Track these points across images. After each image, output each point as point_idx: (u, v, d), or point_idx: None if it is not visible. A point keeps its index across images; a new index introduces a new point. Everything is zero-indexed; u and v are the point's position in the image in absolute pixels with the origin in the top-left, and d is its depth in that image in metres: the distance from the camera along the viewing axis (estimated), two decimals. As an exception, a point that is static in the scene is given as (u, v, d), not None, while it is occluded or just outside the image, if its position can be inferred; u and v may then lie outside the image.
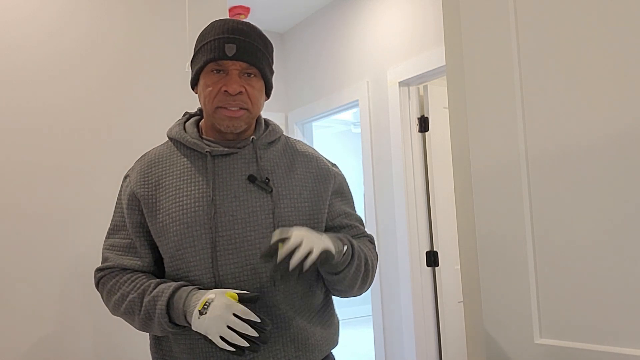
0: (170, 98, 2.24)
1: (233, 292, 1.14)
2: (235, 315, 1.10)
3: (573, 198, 1.20)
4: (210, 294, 1.13)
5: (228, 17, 1.31)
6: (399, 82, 3.13)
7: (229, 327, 1.09)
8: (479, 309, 1.45)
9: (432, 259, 3.09)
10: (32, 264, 1.91)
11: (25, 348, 1.87)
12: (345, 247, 1.20)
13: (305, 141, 4.09)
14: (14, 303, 1.87)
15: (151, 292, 1.20)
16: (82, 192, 2.02)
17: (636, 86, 1.11)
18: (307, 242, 1.09)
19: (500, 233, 1.33)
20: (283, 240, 1.08)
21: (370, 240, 1.43)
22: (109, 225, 1.34)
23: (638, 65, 1.10)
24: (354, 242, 1.27)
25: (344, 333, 6.34)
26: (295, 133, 4.07)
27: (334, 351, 1.38)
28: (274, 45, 1.35)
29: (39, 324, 1.90)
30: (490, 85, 1.34)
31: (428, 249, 3.11)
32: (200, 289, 1.19)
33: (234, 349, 1.10)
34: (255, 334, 1.10)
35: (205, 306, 1.11)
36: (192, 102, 2.27)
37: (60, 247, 1.96)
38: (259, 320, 1.11)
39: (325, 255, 1.11)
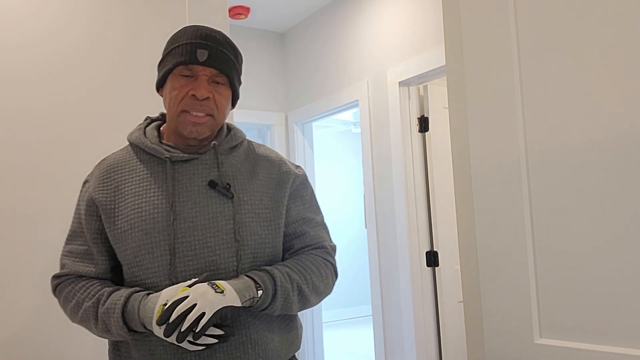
0: (170, 98, 2.24)
1: (184, 287, 1.13)
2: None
3: (573, 198, 1.20)
4: (163, 301, 1.11)
5: (199, 25, 1.30)
6: (399, 82, 3.13)
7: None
8: (479, 309, 1.45)
9: (432, 259, 3.08)
10: (31, 264, 1.91)
11: (25, 348, 1.87)
12: (260, 292, 1.17)
13: (305, 141, 4.09)
14: (13, 303, 1.87)
15: (104, 302, 1.19)
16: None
17: (636, 86, 1.11)
18: (201, 303, 1.08)
19: (500, 233, 1.33)
20: (179, 302, 1.09)
21: (328, 251, 1.36)
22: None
23: (638, 64, 1.10)
24: (279, 276, 1.21)
25: (344, 333, 6.35)
26: (295, 133, 4.07)
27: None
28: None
29: (38, 324, 1.90)
30: (490, 85, 1.34)
31: (428, 249, 3.11)
32: (149, 293, 1.17)
33: (204, 347, 1.11)
34: (220, 332, 1.12)
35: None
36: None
37: (59, 246, 1.96)
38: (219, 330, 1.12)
39: (224, 310, 1.13)
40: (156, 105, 2.21)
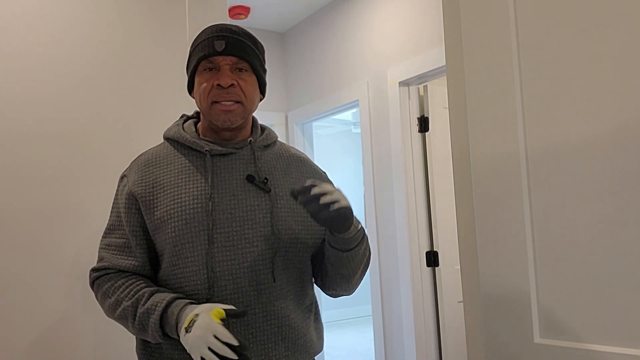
0: (170, 98, 2.24)
1: (220, 309, 1.13)
2: (215, 336, 1.07)
3: (573, 198, 1.20)
4: (197, 311, 1.12)
5: (216, 23, 1.34)
6: (399, 82, 3.13)
7: (209, 348, 1.07)
8: (478, 308, 1.45)
9: (432, 259, 3.08)
10: (32, 264, 1.91)
11: (26, 348, 1.87)
12: (360, 225, 1.25)
13: (305, 141, 4.09)
14: (14, 303, 1.87)
15: (145, 303, 1.20)
16: (81, 191, 2.02)
17: (635, 83, 1.11)
18: (337, 194, 1.14)
19: (500, 233, 1.33)
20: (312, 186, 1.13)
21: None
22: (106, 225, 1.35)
23: (637, 62, 1.10)
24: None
25: (344, 333, 6.35)
26: (295, 133, 4.07)
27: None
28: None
29: (39, 324, 1.90)
30: (490, 85, 1.34)
31: (428, 249, 3.11)
32: (193, 303, 1.18)
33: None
34: (235, 357, 1.07)
35: (191, 324, 1.10)
36: (191, 103, 2.27)
37: (60, 246, 1.96)
38: (237, 344, 1.08)
39: (349, 212, 1.16)
40: (156, 106, 2.21)
